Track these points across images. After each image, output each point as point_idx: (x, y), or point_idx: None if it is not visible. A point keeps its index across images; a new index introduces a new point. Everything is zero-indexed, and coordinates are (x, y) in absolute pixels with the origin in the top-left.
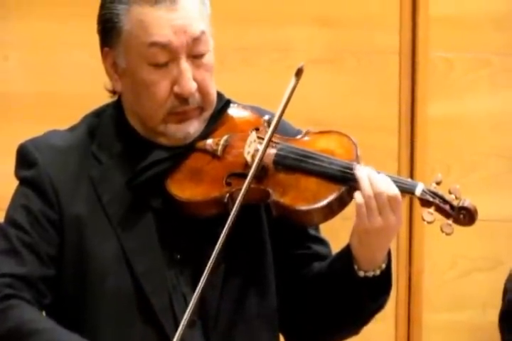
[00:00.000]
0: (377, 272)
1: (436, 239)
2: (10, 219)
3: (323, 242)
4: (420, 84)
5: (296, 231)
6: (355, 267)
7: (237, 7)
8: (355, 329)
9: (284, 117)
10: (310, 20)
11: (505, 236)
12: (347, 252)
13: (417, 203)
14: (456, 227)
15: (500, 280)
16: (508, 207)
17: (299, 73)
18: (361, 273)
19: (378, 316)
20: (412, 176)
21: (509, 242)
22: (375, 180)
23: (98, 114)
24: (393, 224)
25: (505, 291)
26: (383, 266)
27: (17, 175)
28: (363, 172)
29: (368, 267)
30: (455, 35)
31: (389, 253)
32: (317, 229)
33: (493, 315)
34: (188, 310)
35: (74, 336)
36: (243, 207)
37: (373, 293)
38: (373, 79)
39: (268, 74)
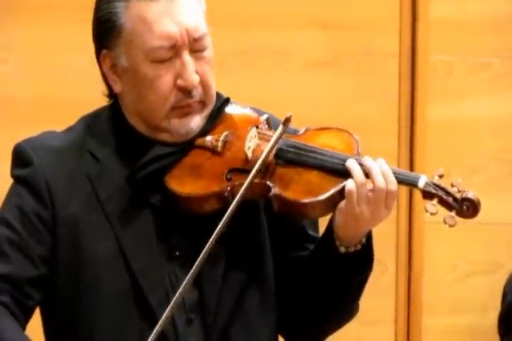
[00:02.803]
0: (359, 247)
1: (436, 242)
2: (1, 219)
3: None
4: (420, 87)
5: (295, 232)
6: (337, 243)
7: (237, 10)
8: (348, 309)
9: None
10: (310, 23)
11: (505, 239)
12: (329, 231)
13: (416, 207)
14: (456, 229)
15: (500, 283)
16: (508, 210)
17: (286, 122)
18: (342, 249)
19: (378, 319)
20: None
21: (509, 245)
22: (377, 173)
23: (95, 115)
24: (383, 216)
25: (505, 294)
26: (364, 240)
27: (12, 174)
28: (355, 164)
29: (350, 243)
30: (455, 38)
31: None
32: (316, 229)
33: (493, 318)
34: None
35: None
36: (243, 204)
37: (356, 266)
38: (373, 82)
39: (268, 77)
